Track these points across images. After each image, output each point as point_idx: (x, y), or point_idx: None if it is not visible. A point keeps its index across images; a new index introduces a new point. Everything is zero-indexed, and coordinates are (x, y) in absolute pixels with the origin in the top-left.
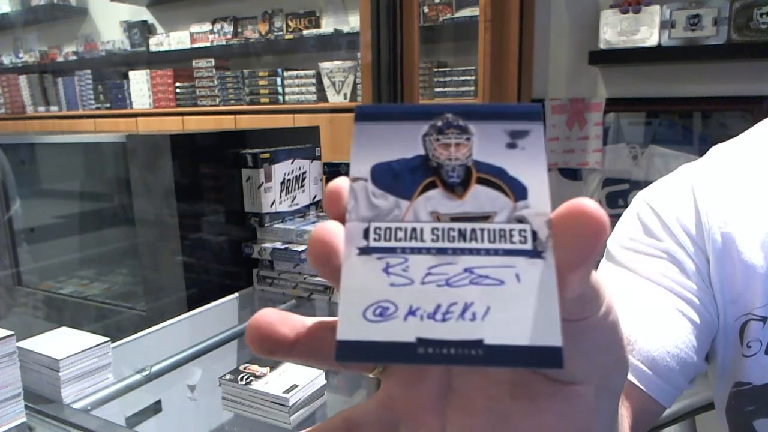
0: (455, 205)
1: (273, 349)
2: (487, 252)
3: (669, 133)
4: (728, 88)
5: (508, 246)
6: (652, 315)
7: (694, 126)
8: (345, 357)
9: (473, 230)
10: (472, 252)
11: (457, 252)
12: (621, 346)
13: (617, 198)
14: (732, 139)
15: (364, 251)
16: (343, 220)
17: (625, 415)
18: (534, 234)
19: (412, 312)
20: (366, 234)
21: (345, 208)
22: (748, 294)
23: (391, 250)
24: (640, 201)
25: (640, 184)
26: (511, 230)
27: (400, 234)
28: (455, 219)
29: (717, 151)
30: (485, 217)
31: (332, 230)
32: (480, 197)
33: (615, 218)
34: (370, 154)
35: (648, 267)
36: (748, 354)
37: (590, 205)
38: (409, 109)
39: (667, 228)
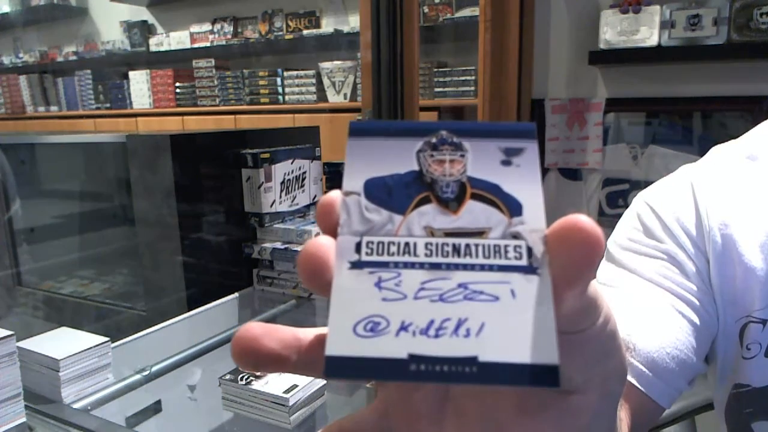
0: (449, 220)
1: (257, 364)
2: (482, 267)
3: (669, 133)
4: (728, 88)
5: (503, 262)
6: (652, 316)
7: (694, 126)
8: (334, 373)
9: (467, 245)
10: (466, 267)
11: (451, 267)
12: (620, 353)
13: (617, 198)
14: (732, 140)
15: (356, 265)
16: (335, 234)
17: (624, 418)
18: (529, 250)
19: (404, 327)
20: (358, 248)
21: (337, 221)
22: (747, 296)
23: (384, 265)
24: (640, 201)
25: (640, 184)
26: (506, 246)
27: (393, 248)
28: (449, 234)
29: (717, 151)
30: (480, 233)
31: (323, 244)
32: (474, 213)
33: (615, 218)
34: (363, 169)
35: (648, 268)
36: (747, 356)
37: (585, 221)
38: (403, 126)
39: (667, 229)
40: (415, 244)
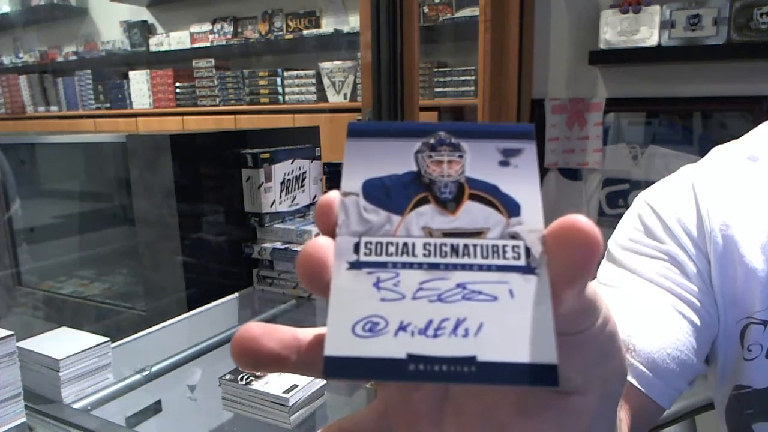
0: (447, 220)
1: (257, 364)
2: (480, 267)
3: (669, 133)
4: (728, 88)
5: (501, 262)
6: (653, 316)
7: (694, 126)
8: (333, 373)
9: (466, 246)
10: (464, 267)
11: (449, 267)
12: (619, 355)
13: (617, 198)
14: (733, 141)
15: (354, 266)
16: (333, 235)
17: (624, 418)
18: (527, 250)
19: (402, 327)
20: (356, 248)
21: (335, 222)
22: (748, 297)
23: (382, 265)
24: (641, 202)
25: (640, 184)
26: (504, 246)
27: (392, 249)
28: (447, 234)
29: (718, 152)
30: (478, 233)
31: (322, 245)
32: (472, 213)
33: (615, 218)
34: (361, 170)
35: (649, 268)
36: (748, 357)
37: (583, 221)
38: (401, 127)
39: (668, 229)
40: (413, 245)
